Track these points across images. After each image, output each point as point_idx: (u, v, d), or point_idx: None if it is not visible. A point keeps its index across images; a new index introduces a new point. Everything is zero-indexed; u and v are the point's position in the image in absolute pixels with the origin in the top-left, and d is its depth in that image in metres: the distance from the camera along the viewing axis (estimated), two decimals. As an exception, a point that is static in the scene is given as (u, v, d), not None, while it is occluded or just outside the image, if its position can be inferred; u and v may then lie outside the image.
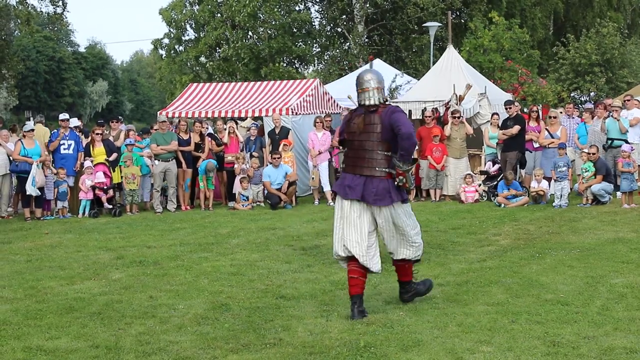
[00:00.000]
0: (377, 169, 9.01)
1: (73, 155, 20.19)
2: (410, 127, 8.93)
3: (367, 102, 9.15)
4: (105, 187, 19.69)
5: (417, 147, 20.41)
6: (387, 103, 9.26)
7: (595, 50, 40.78)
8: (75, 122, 23.52)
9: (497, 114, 21.51)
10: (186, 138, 20.81)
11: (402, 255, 9.33)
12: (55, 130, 20.65)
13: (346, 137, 9.36)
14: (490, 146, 21.13)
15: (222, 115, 23.47)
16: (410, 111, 22.28)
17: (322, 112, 23.85)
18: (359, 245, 9.05)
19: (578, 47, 41.64)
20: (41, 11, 45.79)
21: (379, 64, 32.39)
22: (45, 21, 61.53)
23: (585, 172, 18.71)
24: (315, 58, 48.52)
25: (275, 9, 42.98)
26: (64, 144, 20.18)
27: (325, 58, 47.89)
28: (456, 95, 21.94)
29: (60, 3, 43.50)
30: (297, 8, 47.15)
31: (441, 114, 21.92)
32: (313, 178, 21.30)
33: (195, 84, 27.04)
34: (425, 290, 9.66)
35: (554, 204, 18.67)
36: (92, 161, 19.88)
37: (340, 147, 10.13)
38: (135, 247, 14.44)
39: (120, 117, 26.65)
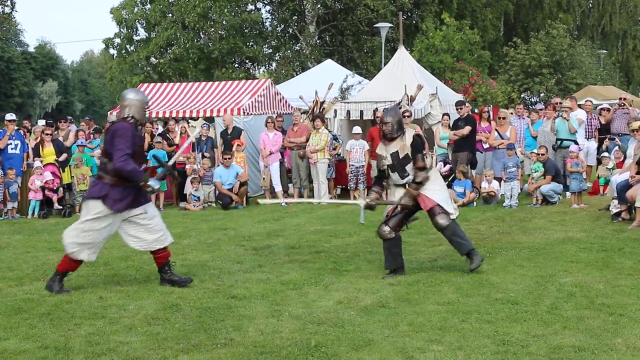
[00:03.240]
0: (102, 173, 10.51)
1: (20, 155, 19.94)
2: (121, 161, 10.16)
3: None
4: (54, 187, 19.50)
5: (368, 148, 20.54)
6: (126, 118, 10.51)
7: (545, 52, 41.23)
8: (42, 122, 23.57)
9: (447, 114, 21.60)
10: (140, 138, 20.69)
11: None
12: (1, 130, 20.36)
13: None
14: (441, 147, 21.20)
15: (174, 115, 23.31)
16: (362, 111, 22.36)
17: (274, 112, 23.81)
18: None
19: (528, 49, 42.09)
20: (-11, 11, 45.41)
21: (330, 64, 32.45)
22: (-7, 21, 60.92)
23: (535, 172, 18.87)
24: (267, 59, 48.47)
25: (226, 10, 42.80)
26: (10, 143, 19.91)
27: (277, 58, 47.89)
28: (407, 96, 22.01)
29: (9, 3, 43.23)
30: (247, 9, 47.06)
31: (393, 115, 21.93)
32: (264, 178, 21.25)
33: (146, 84, 26.83)
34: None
35: (504, 204, 18.79)
36: (41, 161, 19.71)
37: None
38: (85, 247, 14.28)
39: (70, 117, 26.46)
